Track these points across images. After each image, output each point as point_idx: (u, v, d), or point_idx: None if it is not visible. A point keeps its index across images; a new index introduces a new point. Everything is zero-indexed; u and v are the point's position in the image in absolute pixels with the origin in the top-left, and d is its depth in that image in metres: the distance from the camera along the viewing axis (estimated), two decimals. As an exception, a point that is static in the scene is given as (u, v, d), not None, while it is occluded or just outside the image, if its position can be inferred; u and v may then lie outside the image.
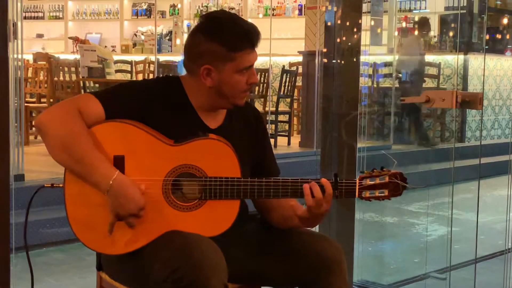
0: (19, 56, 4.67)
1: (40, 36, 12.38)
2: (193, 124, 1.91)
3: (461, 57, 8.57)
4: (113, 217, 1.78)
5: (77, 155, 1.76)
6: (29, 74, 7.86)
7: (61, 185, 1.84)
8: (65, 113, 1.80)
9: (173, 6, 11.43)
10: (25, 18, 11.52)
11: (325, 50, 3.14)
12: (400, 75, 8.26)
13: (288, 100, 7.97)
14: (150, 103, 1.87)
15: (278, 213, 1.96)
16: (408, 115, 8.32)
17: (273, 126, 7.32)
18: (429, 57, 8.65)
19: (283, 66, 8.28)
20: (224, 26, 1.85)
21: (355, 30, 3.07)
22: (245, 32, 1.85)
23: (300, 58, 8.09)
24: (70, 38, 10.88)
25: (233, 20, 1.87)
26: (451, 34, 8.14)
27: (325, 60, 3.13)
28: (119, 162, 1.80)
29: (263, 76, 7.55)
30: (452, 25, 8.26)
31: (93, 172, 1.76)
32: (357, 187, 1.85)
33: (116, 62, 8.96)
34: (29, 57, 8.85)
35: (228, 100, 1.90)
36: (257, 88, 7.58)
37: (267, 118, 7.27)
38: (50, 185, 1.99)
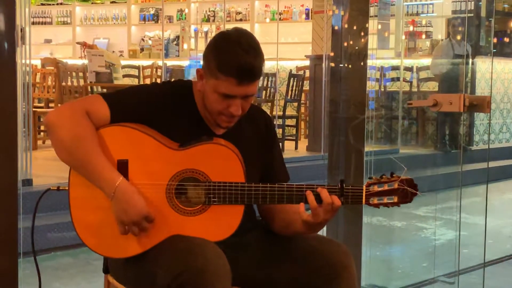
0: (27, 61, 4.68)
1: (48, 41, 12.43)
2: (200, 129, 1.90)
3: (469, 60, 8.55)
4: (119, 224, 1.78)
5: (81, 159, 1.77)
6: (37, 79, 7.89)
7: (67, 188, 1.85)
8: (73, 114, 1.80)
9: (180, 11, 11.46)
10: (33, 23, 11.58)
11: (332, 54, 3.13)
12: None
13: (295, 104, 7.97)
14: (157, 107, 1.87)
15: (281, 217, 1.95)
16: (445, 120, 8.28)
17: (281, 130, 7.32)
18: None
19: (290, 70, 8.29)
20: (227, 46, 1.81)
21: (362, 34, 3.07)
22: (239, 63, 1.78)
23: (307, 62, 8.09)
24: (78, 43, 10.92)
25: (240, 46, 1.79)
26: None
27: (332, 64, 3.13)
28: (122, 166, 1.80)
29: (270, 80, 7.56)
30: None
31: (97, 176, 1.77)
32: (363, 194, 1.83)
33: (123, 67, 8.99)
34: (37, 62, 8.88)
35: (211, 115, 1.88)
36: (264, 92, 7.59)
37: (275, 123, 7.27)
38: (56, 188, 1.99)
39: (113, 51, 11.08)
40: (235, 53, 1.79)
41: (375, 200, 1.83)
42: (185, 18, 11.21)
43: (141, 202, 1.77)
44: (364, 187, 1.83)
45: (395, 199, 1.84)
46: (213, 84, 1.82)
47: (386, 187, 1.83)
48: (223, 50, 1.81)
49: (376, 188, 1.83)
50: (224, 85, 1.80)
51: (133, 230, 1.78)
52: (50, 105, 7.80)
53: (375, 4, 7.26)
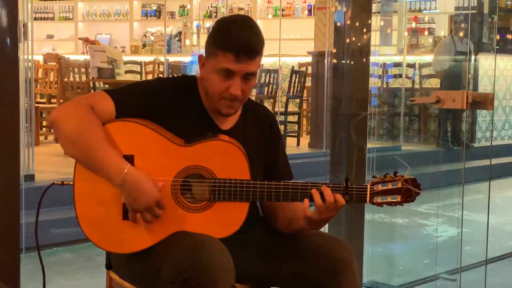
0: (30, 57, 4.68)
1: (50, 37, 12.43)
2: (205, 125, 1.90)
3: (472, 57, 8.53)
4: (131, 212, 1.78)
5: (87, 150, 1.77)
6: (39, 75, 7.90)
7: (71, 183, 1.84)
8: (77, 108, 1.81)
9: (183, 7, 11.45)
10: (35, 19, 11.57)
11: (334, 50, 3.13)
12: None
13: (298, 100, 7.97)
14: (162, 103, 1.87)
15: (283, 215, 1.95)
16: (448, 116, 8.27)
17: (283, 126, 7.32)
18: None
19: (292, 66, 8.28)
20: (223, 25, 1.86)
21: (364, 30, 3.06)
22: (235, 38, 1.80)
23: (309, 59, 8.08)
24: (80, 39, 10.93)
25: (236, 24, 1.84)
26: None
27: (335, 61, 3.13)
28: (128, 162, 1.79)
29: (272, 76, 7.55)
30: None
31: (104, 166, 1.76)
32: (368, 193, 1.83)
33: (125, 62, 8.99)
34: (39, 57, 8.89)
35: (212, 102, 1.89)
36: (266, 88, 7.58)
37: (276, 119, 7.26)
38: (60, 183, 1.99)
39: (115, 47, 11.08)
40: (232, 31, 1.82)
41: (379, 199, 1.84)
42: (187, 14, 11.20)
43: (151, 188, 1.76)
44: (368, 186, 1.83)
45: (399, 198, 1.84)
46: (213, 64, 1.83)
47: (390, 186, 1.84)
48: (220, 30, 1.85)
49: (380, 187, 1.83)
50: (222, 59, 1.81)
51: (146, 217, 1.78)
52: (52, 100, 7.81)
53: (378, 0, 7.25)
